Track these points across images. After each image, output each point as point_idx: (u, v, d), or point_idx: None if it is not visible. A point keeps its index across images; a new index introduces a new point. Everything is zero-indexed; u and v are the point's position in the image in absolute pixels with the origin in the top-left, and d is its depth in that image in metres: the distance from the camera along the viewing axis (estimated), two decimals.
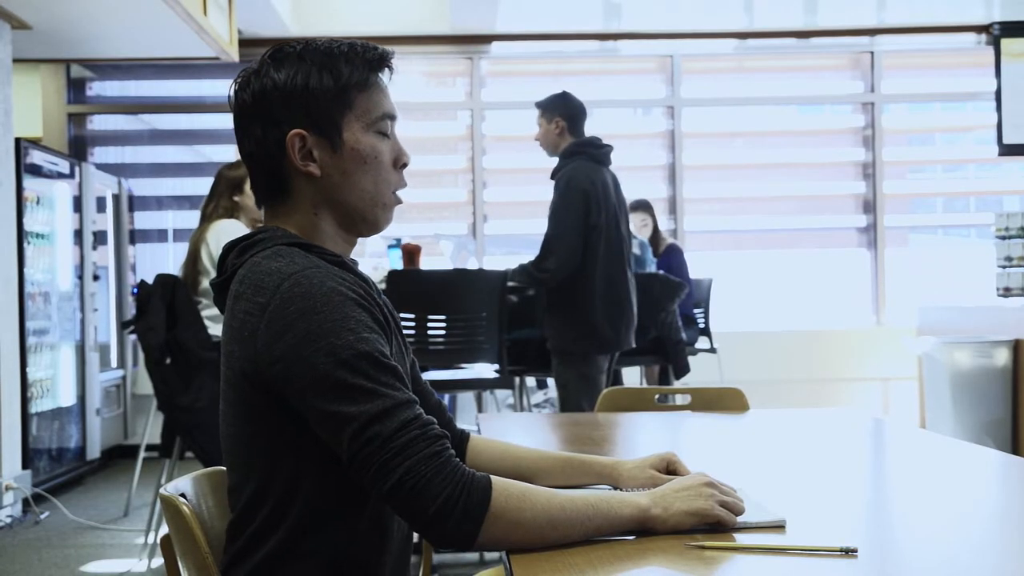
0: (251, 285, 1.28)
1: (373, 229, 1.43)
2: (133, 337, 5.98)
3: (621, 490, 1.44)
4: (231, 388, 1.32)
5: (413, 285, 3.81)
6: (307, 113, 1.35)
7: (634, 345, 3.94)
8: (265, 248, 1.33)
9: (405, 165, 1.43)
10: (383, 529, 1.34)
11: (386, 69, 1.41)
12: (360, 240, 1.48)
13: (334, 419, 1.20)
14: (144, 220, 6.86)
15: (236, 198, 3.94)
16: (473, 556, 3.56)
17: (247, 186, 3.93)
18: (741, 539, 1.19)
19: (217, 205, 3.94)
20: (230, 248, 1.39)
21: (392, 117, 1.41)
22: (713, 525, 1.22)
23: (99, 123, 6.91)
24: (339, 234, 1.41)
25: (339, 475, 1.26)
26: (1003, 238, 5.90)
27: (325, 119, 1.36)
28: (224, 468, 1.40)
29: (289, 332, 1.23)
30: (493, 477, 1.20)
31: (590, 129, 3.99)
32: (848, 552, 1.11)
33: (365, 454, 1.18)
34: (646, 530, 1.22)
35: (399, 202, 1.44)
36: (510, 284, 3.84)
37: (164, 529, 1.36)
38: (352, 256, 1.45)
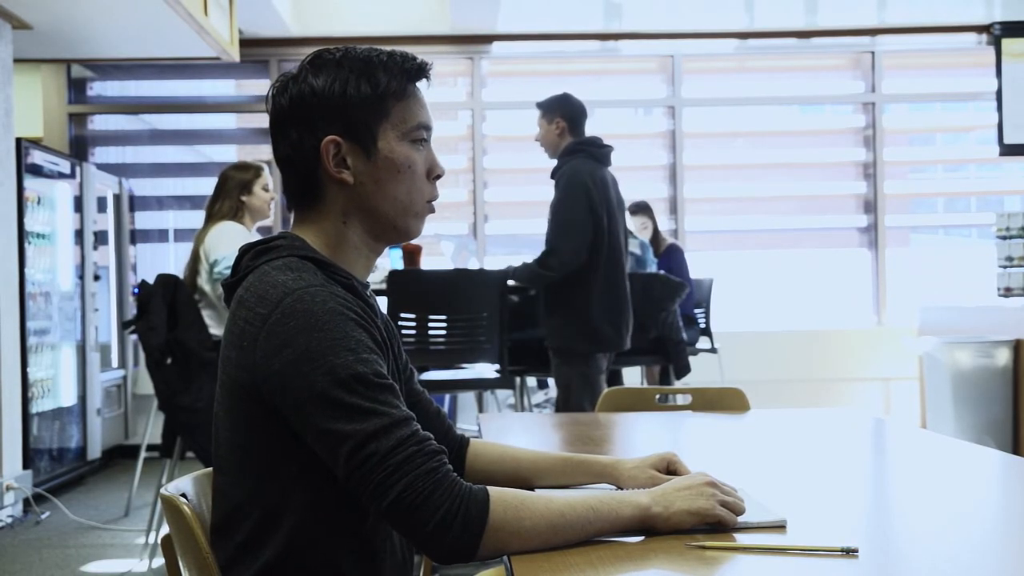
0: (255, 294, 1.28)
1: (404, 237, 1.43)
2: (134, 337, 5.99)
3: (621, 490, 1.43)
4: (227, 393, 1.32)
5: (414, 285, 3.81)
6: (343, 120, 1.35)
7: (629, 346, 3.93)
8: (279, 257, 1.32)
9: (439, 176, 1.44)
10: (379, 548, 1.33)
11: (424, 79, 1.41)
12: None
13: (331, 436, 1.20)
14: (145, 220, 6.87)
15: (243, 199, 3.95)
16: None
17: (255, 187, 3.95)
18: (742, 539, 1.19)
19: (223, 206, 3.95)
20: (247, 250, 1.38)
21: (428, 128, 1.42)
22: (714, 525, 1.22)
23: (100, 123, 6.91)
24: (366, 243, 1.40)
25: (334, 491, 1.26)
26: (1004, 238, 5.90)
27: (361, 127, 1.36)
28: None
29: (288, 347, 1.22)
30: (491, 488, 1.20)
31: (591, 129, 3.98)
32: (849, 552, 1.11)
33: (363, 471, 1.18)
34: (647, 529, 1.22)
35: (431, 212, 1.44)
36: (512, 284, 3.83)
37: (165, 529, 1.36)
38: None
